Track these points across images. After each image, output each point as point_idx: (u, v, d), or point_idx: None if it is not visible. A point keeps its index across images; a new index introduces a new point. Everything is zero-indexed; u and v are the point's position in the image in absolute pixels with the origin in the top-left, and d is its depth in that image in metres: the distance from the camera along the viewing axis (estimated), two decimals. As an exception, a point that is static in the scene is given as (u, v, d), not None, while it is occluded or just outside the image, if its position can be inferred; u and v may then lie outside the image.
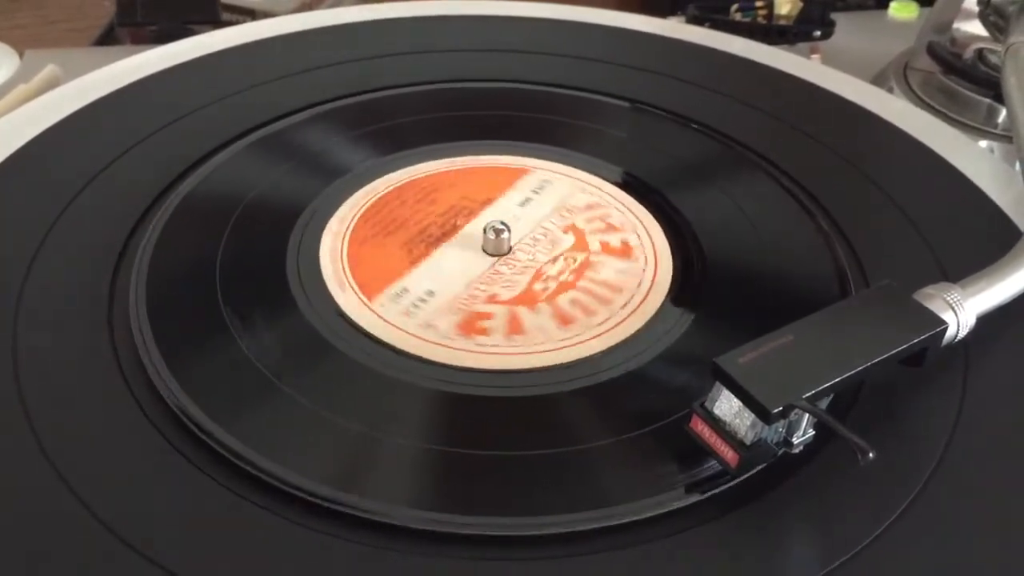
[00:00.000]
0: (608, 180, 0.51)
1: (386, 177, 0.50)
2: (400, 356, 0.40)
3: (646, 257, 0.44)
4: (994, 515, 0.34)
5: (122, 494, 0.33)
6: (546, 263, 0.45)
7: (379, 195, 0.49)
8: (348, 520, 0.33)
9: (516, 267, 0.45)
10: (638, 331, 0.42)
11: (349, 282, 0.43)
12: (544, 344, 0.41)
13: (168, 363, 0.38)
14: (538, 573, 0.32)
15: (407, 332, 0.41)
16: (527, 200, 0.49)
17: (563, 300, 0.43)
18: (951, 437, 0.37)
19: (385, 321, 0.41)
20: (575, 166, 0.52)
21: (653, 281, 0.44)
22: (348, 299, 0.43)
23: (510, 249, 0.46)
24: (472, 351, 0.40)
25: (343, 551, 0.32)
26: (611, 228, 0.47)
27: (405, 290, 0.43)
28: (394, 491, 0.35)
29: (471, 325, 0.41)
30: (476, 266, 0.45)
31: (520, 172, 0.51)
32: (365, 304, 0.42)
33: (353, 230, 0.47)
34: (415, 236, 0.46)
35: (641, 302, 0.43)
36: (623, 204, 0.49)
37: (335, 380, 0.39)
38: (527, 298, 0.43)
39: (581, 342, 0.41)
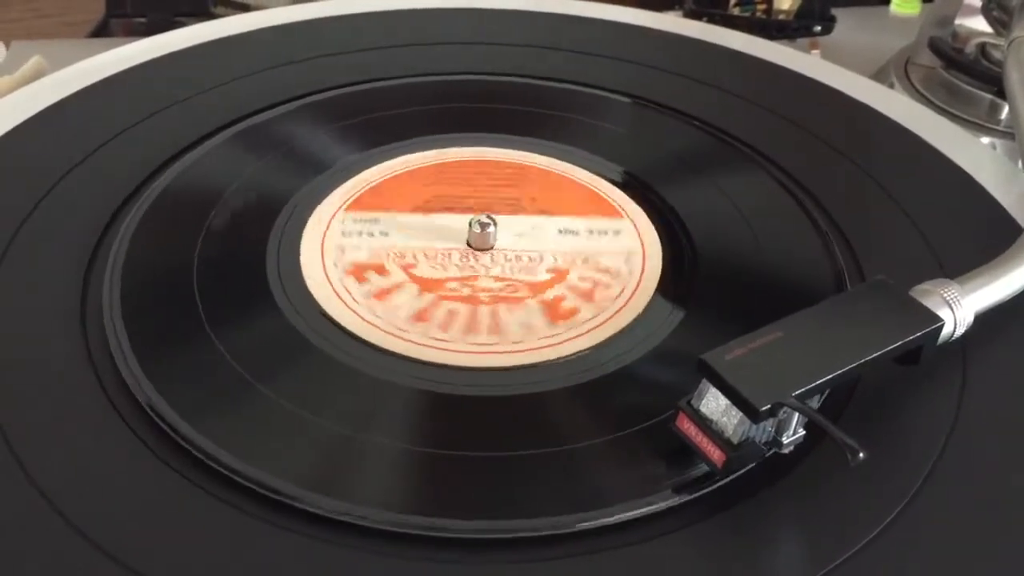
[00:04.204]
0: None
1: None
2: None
3: (571, 330, 0.41)
4: (992, 518, 0.34)
5: (94, 496, 0.33)
6: (489, 277, 0.43)
7: (482, 157, 0.51)
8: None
9: (466, 263, 0.44)
10: (627, 327, 0.41)
11: (354, 194, 0.47)
12: (382, 321, 0.40)
13: (136, 352, 0.38)
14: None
15: (322, 251, 0.43)
16: (571, 232, 0.47)
17: (446, 305, 0.42)
18: (948, 438, 0.36)
19: (324, 233, 0.45)
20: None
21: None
22: (328, 204, 0.46)
23: (491, 247, 0.45)
24: (332, 287, 0.42)
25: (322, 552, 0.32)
26: (586, 296, 0.42)
27: (376, 220, 0.46)
28: (372, 493, 0.34)
29: (360, 271, 0.43)
30: (443, 242, 0.45)
31: (609, 211, 0.48)
32: (334, 213, 0.46)
33: (430, 165, 0.50)
34: (450, 196, 0.48)
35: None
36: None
37: (316, 381, 0.38)
38: (428, 285, 0.43)
39: (413, 342, 0.40)
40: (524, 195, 0.49)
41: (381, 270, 0.43)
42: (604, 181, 0.50)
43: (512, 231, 0.46)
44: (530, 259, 0.45)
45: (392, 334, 0.40)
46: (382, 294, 0.41)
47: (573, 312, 0.42)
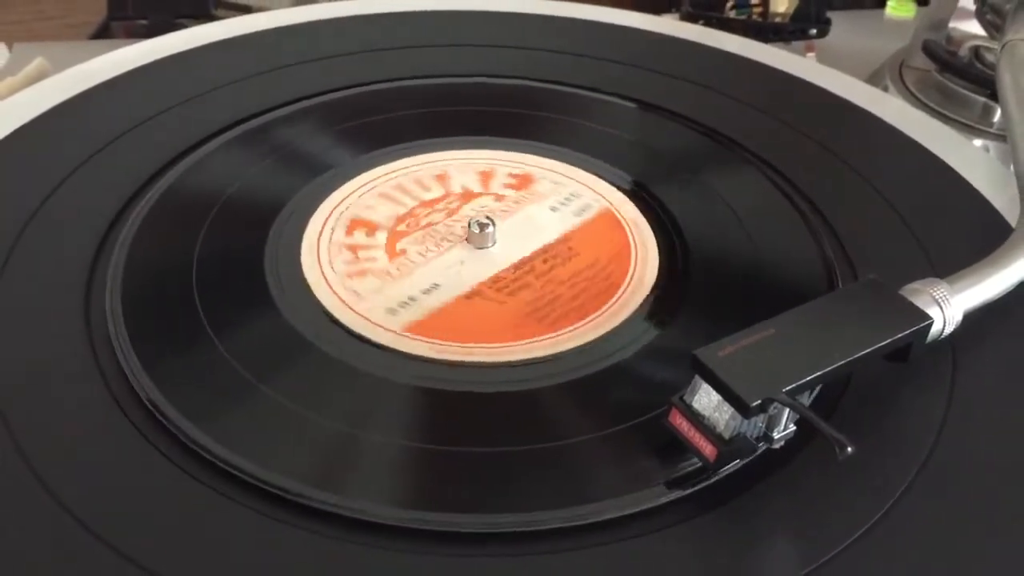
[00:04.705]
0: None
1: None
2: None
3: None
4: (980, 516, 0.34)
5: (98, 493, 0.33)
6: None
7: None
8: (324, 515, 0.33)
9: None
10: (620, 325, 0.41)
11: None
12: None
13: (139, 354, 0.38)
14: (516, 571, 0.32)
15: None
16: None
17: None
18: (938, 436, 0.37)
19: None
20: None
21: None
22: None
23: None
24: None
25: (323, 548, 0.32)
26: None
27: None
28: (373, 488, 0.34)
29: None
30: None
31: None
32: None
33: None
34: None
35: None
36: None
37: (316, 379, 0.38)
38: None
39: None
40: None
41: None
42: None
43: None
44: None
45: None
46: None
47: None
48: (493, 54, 0.62)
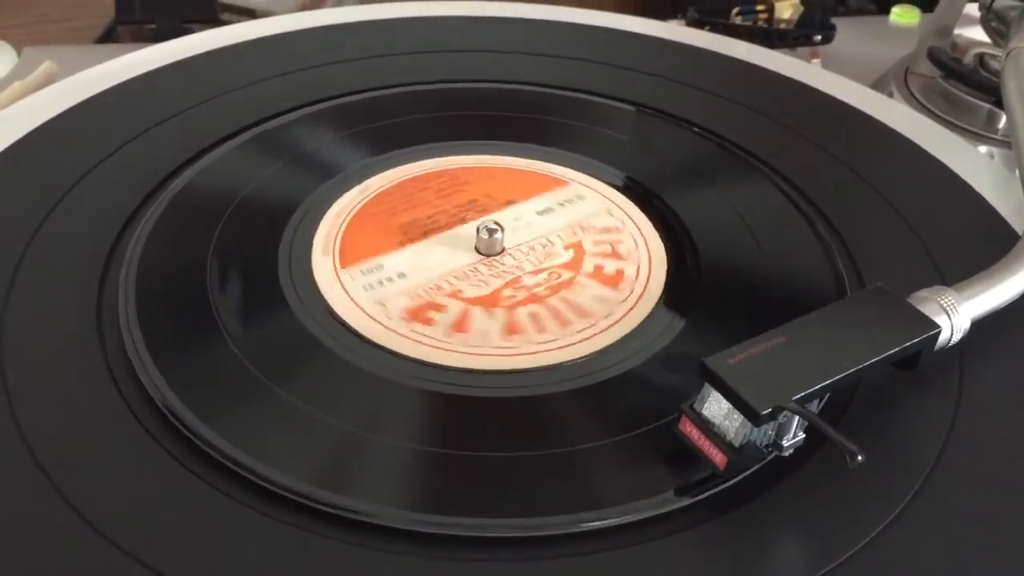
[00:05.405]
0: (611, 184, 0.51)
1: (421, 163, 0.51)
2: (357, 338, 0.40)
3: (633, 290, 0.43)
4: (989, 523, 0.34)
5: (108, 494, 0.33)
6: (528, 273, 0.44)
7: (406, 177, 0.50)
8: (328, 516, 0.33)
9: (496, 269, 0.44)
10: (631, 332, 0.42)
11: (334, 248, 0.44)
12: (479, 348, 0.40)
13: (155, 358, 0.38)
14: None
15: (358, 306, 0.42)
16: (548, 210, 0.49)
17: (522, 312, 0.42)
18: (946, 442, 0.37)
19: (345, 292, 0.43)
20: (577, 168, 0.52)
21: (647, 284, 0.44)
22: (323, 265, 0.44)
23: (502, 250, 0.45)
24: (405, 336, 0.41)
25: (332, 551, 0.32)
26: (615, 255, 0.46)
27: (380, 267, 0.44)
28: (380, 491, 0.34)
29: (419, 313, 0.42)
30: (459, 260, 0.45)
31: (556, 183, 0.51)
32: (336, 272, 0.44)
33: (364, 205, 0.48)
34: (418, 221, 0.47)
35: (636, 303, 0.43)
36: (635, 223, 0.48)
37: (327, 382, 0.39)
38: (489, 301, 0.43)
39: (514, 354, 0.40)
40: (481, 195, 0.49)
41: (436, 307, 0.42)
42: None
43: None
44: (543, 245, 0.46)
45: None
46: (458, 326, 0.41)
47: (622, 275, 0.44)
48: (501, 59, 0.62)
